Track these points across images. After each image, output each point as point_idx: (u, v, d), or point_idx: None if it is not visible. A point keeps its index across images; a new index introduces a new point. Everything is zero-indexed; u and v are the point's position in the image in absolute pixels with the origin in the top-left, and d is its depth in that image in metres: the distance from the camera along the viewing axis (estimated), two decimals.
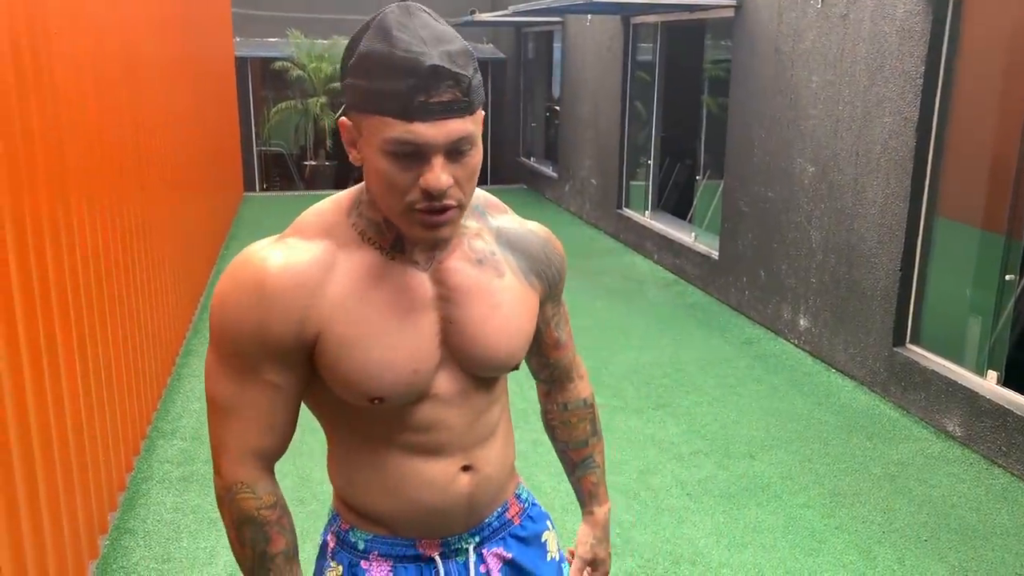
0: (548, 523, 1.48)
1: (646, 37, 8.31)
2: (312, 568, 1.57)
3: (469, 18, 11.52)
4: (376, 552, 1.32)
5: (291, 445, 1.28)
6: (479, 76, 1.12)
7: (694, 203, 7.64)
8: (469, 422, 1.28)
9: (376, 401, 1.19)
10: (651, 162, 8.31)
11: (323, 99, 12.36)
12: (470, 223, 1.28)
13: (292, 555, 1.28)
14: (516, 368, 1.30)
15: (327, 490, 3.40)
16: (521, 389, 4.71)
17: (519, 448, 3.99)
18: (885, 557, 3.18)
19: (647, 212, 8.34)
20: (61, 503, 2.71)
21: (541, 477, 3.73)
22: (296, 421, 1.25)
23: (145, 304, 4.23)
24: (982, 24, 4.21)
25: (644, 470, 3.82)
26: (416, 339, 1.20)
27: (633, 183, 8.81)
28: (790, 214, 5.53)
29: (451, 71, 1.06)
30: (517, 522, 1.41)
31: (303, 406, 1.28)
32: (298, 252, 1.16)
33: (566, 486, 3.64)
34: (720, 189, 6.67)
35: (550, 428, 1.58)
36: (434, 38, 1.07)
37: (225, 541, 3.22)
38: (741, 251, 6.19)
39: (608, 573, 1.52)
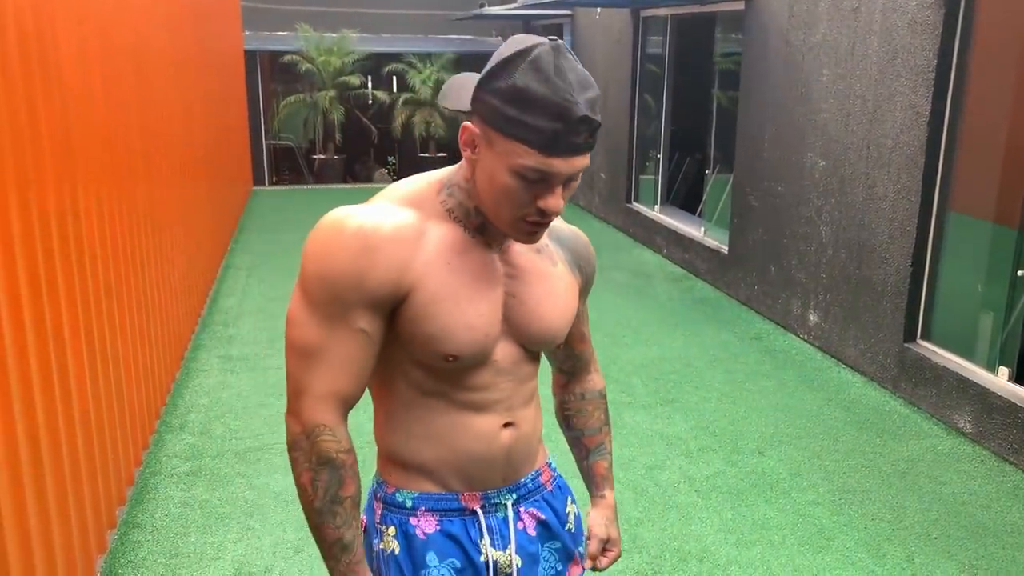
0: (571, 496, 1.59)
1: (656, 30, 8.27)
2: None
3: (479, 11, 11.49)
4: (423, 507, 1.41)
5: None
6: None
7: (704, 197, 7.61)
8: (516, 388, 1.42)
9: (451, 359, 1.31)
10: (660, 156, 8.27)
11: (332, 93, 12.35)
12: None
13: (358, 502, 1.35)
14: (559, 347, 1.49)
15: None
16: None
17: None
18: (894, 555, 3.16)
19: (656, 206, 8.31)
20: (69, 498, 2.72)
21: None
22: (370, 373, 1.33)
23: (153, 298, 4.23)
24: (994, 16, 4.16)
25: (652, 466, 3.81)
26: (490, 308, 1.34)
27: (642, 177, 8.78)
28: (800, 209, 5.49)
29: (592, 119, 1.20)
30: (549, 488, 1.53)
31: None
32: (396, 213, 1.29)
33: (575, 481, 3.62)
34: (730, 183, 6.64)
35: (565, 418, 1.69)
36: (580, 85, 1.20)
37: (231, 536, 3.23)
38: (751, 246, 6.16)
39: (619, 553, 1.60)
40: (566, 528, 1.55)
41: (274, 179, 13.06)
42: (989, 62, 4.22)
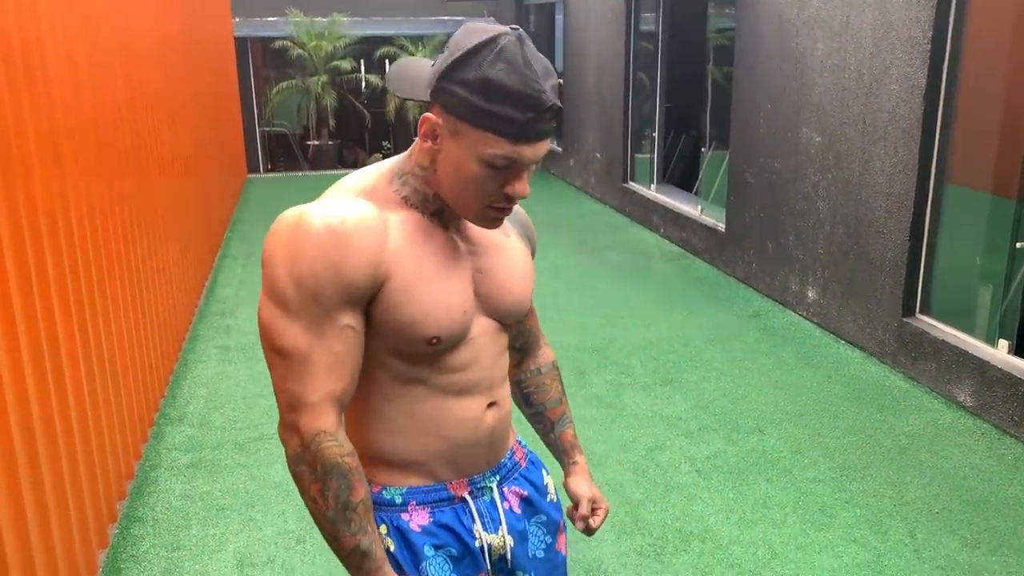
0: (544, 468, 1.62)
1: (648, 6, 8.20)
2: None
3: None
4: (414, 502, 1.39)
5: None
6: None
7: (700, 175, 7.57)
8: (494, 361, 1.42)
9: (434, 341, 1.30)
10: (656, 135, 8.22)
11: (324, 78, 12.27)
12: None
13: (370, 506, 1.32)
14: (524, 316, 1.49)
15: None
16: None
17: (527, 426, 3.97)
18: (896, 530, 3.16)
19: (653, 185, 8.27)
20: (68, 494, 2.71)
21: (550, 456, 3.71)
22: (360, 370, 1.31)
23: (148, 290, 4.21)
24: None
25: (652, 447, 3.80)
26: (462, 285, 1.34)
27: (638, 156, 8.74)
28: (797, 185, 5.46)
29: (558, 107, 1.22)
30: (523, 464, 1.56)
31: None
32: (356, 204, 1.26)
33: None
34: (726, 161, 6.60)
35: (524, 395, 1.68)
36: (546, 73, 1.22)
37: (233, 528, 3.22)
38: (748, 223, 6.13)
39: (608, 510, 1.60)
40: (548, 500, 1.56)
41: (269, 166, 13.00)
42: (985, 32, 4.17)
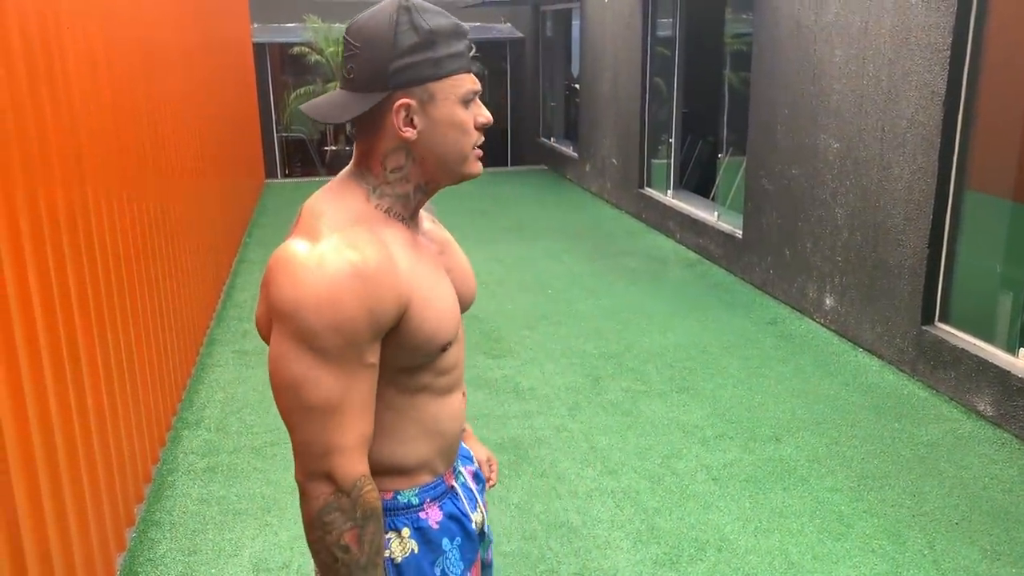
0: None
1: (665, 12, 8.19)
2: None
3: None
4: (427, 499, 1.44)
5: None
6: None
7: (717, 181, 7.55)
8: (463, 353, 1.49)
9: (447, 346, 1.36)
10: (672, 140, 8.21)
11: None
12: None
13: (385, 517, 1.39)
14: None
15: None
16: (544, 375, 4.69)
17: (543, 433, 3.98)
18: (915, 541, 3.13)
19: (669, 191, 8.25)
20: (86, 497, 2.73)
21: (565, 463, 3.71)
22: None
23: (167, 294, 4.24)
24: None
25: (668, 455, 3.78)
26: (449, 289, 1.39)
27: (655, 161, 8.72)
28: (815, 191, 5.43)
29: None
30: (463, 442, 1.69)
31: None
32: (364, 241, 1.25)
33: (590, 471, 3.62)
34: (743, 167, 6.58)
35: None
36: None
37: (249, 532, 3.24)
38: (765, 229, 6.11)
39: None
40: (477, 467, 1.67)
41: (286, 171, 13.07)
42: (1005, 38, 4.14)
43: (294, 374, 1.22)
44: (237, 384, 4.64)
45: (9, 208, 2.30)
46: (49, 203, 2.60)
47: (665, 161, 8.43)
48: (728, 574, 2.95)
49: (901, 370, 4.68)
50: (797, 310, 5.68)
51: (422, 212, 1.47)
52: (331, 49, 12.21)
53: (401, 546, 1.41)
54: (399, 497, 1.42)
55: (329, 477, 1.24)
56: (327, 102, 1.32)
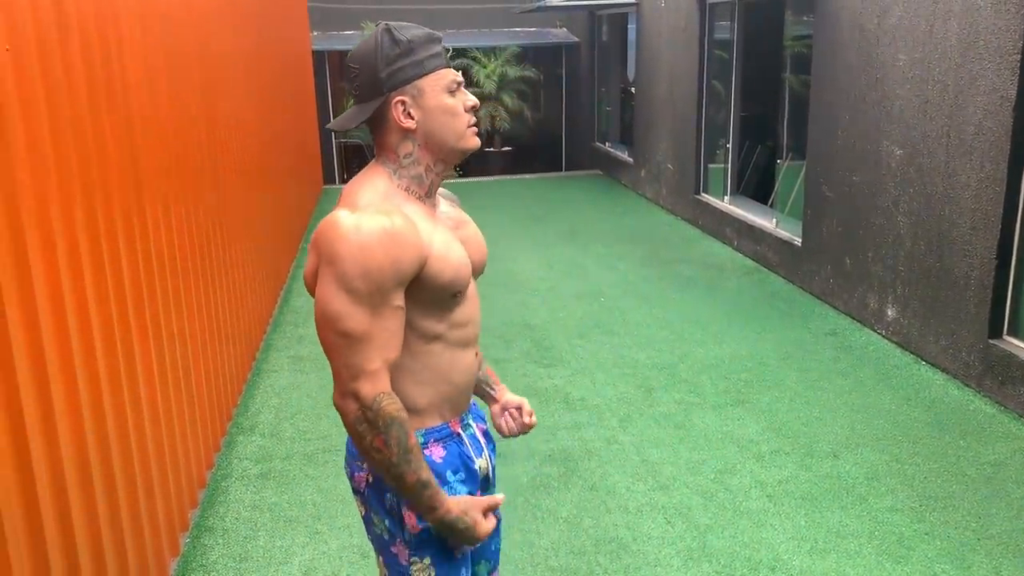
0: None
1: (723, 14, 8.07)
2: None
3: (541, 3, 11.41)
4: (432, 439, 1.71)
5: None
6: None
7: (775, 187, 7.40)
8: (477, 315, 1.79)
9: (459, 294, 1.67)
10: (729, 145, 8.08)
11: None
12: None
13: (419, 447, 1.61)
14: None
15: None
16: (595, 385, 4.64)
17: (593, 445, 3.93)
18: (980, 566, 3.01)
19: (726, 197, 8.12)
20: (140, 501, 2.78)
21: (616, 476, 3.66)
22: None
23: (223, 301, 4.31)
24: None
25: (722, 470, 3.71)
26: (462, 251, 1.70)
27: (711, 166, 8.59)
28: (876, 199, 5.28)
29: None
30: (473, 404, 1.92)
31: None
32: (391, 210, 1.58)
33: (641, 485, 3.57)
34: (802, 173, 6.44)
35: None
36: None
37: (300, 540, 3.26)
38: (825, 237, 5.96)
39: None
40: (487, 426, 1.92)
41: (345, 177, 13.23)
42: None
43: (335, 308, 1.53)
44: (292, 390, 4.69)
45: (68, 216, 2.35)
46: (106, 211, 2.65)
47: (722, 166, 8.30)
48: None
49: (967, 385, 4.52)
50: (857, 321, 5.53)
51: (443, 198, 1.81)
52: None
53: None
54: None
55: (356, 395, 1.54)
56: (344, 116, 1.70)
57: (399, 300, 1.58)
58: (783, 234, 6.74)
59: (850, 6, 5.49)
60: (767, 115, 7.94)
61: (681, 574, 3.00)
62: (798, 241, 6.42)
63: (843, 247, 5.71)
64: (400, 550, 1.71)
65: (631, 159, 10.90)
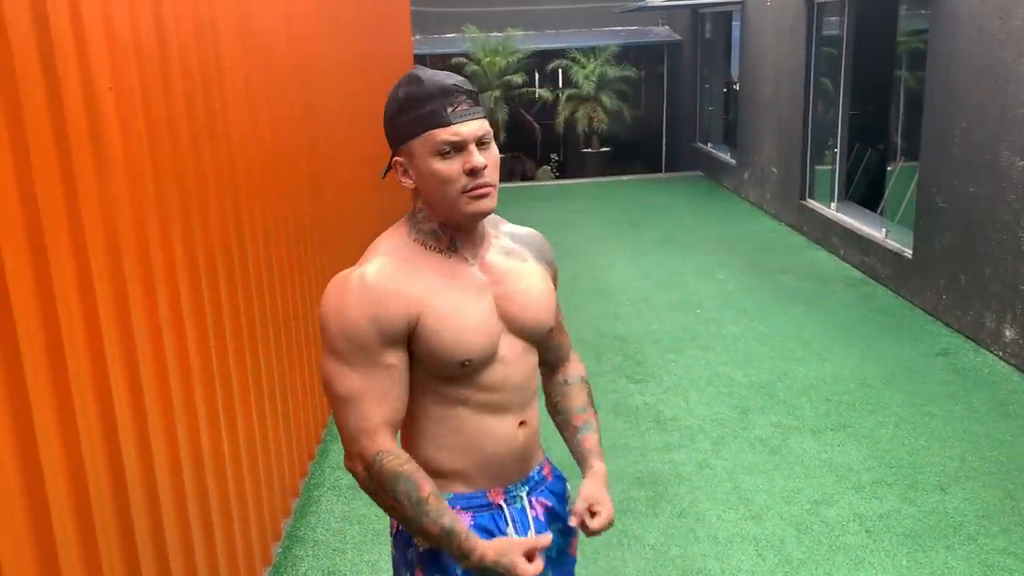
0: (567, 483, 1.83)
1: (833, 10, 7.75)
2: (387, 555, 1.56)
3: (643, 2, 11.25)
4: (459, 507, 1.62)
5: None
6: (484, 100, 1.56)
7: (885, 193, 7.08)
8: (524, 381, 1.65)
9: (466, 363, 1.54)
10: (838, 148, 7.76)
11: (496, 93, 12.49)
12: (490, 230, 1.67)
13: (438, 493, 1.55)
14: (549, 332, 1.71)
15: None
16: (688, 404, 4.53)
17: (684, 468, 3.80)
18: None
19: (833, 203, 7.81)
20: (234, 511, 2.85)
21: (706, 503, 3.56)
22: (407, 397, 1.57)
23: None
24: None
25: (818, 500, 3.56)
26: (486, 313, 1.58)
27: (818, 169, 8.28)
28: (995, 212, 4.97)
29: (465, 88, 1.52)
30: (550, 479, 1.79)
31: None
32: (385, 261, 1.55)
33: (732, 514, 3.46)
34: (915, 180, 6.12)
35: (553, 406, 1.85)
36: (445, 74, 1.53)
37: (386, 555, 3.30)
38: (938, 250, 5.66)
39: (611, 517, 1.65)
40: (567, 510, 1.74)
41: None
42: None
43: (326, 372, 1.53)
44: None
45: (166, 233, 2.42)
46: (204, 227, 2.72)
47: (829, 168, 7.99)
48: None
49: None
50: (972, 340, 5.23)
51: (513, 243, 1.70)
52: (488, 59, 12.40)
53: (419, 542, 1.61)
54: None
55: (359, 456, 1.52)
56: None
57: (391, 358, 1.52)
58: (893, 245, 6.43)
59: (968, 7, 5.17)
60: (878, 115, 7.60)
61: None
62: (908, 253, 6.11)
63: (957, 261, 5.40)
64: None
65: (734, 161, 10.63)
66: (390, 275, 1.52)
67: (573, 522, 1.63)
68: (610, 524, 1.64)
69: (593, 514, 1.63)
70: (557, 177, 13.29)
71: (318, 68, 4.87)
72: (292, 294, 3.83)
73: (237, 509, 2.91)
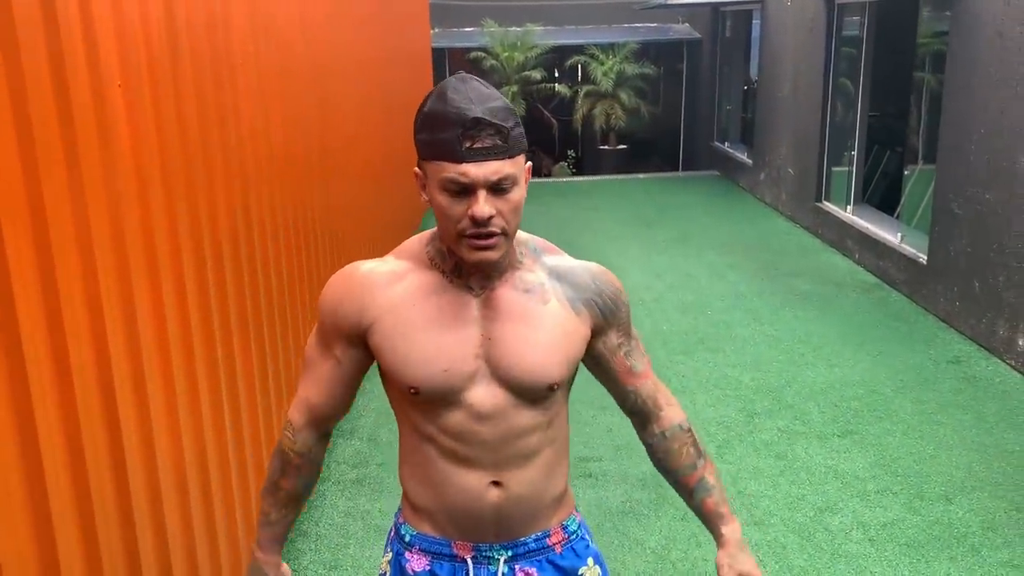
0: (591, 561, 1.60)
1: (853, 10, 7.69)
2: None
3: (662, 0, 11.19)
4: (418, 547, 1.55)
5: None
6: (520, 129, 1.37)
7: (903, 198, 7.02)
8: (502, 440, 1.46)
9: (412, 391, 1.44)
10: (855, 150, 7.70)
11: (514, 88, 12.47)
12: (526, 261, 1.50)
13: (294, 497, 1.64)
14: (552, 389, 1.47)
15: None
16: (695, 406, 4.52)
17: None
18: None
19: (849, 206, 7.76)
20: (236, 503, 2.87)
21: None
22: (350, 402, 1.61)
23: None
24: None
25: (822, 507, 3.55)
26: (453, 345, 1.43)
27: (835, 170, 8.22)
28: (1011, 220, 4.92)
29: (491, 122, 1.32)
30: (559, 551, 1.57)
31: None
32: (381, 264, 1.51)
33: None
34: (932, 185, 6.07)
35: (656, 461, 1.67)
36: (480, 98, 1.34)
37: None
38: (953, 256, 5.61)
39: None
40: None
41: None
42: None
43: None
44: None
45: (171, 222, 2.42)
46: (211, 217, 2.71)
47: (846, 170, 7.93)
48: None
49: None
50: (985, 348, 5.18)
51: (524, 276, 1.48)
52: (506, 54, 12.38)
53: (381, 566, 1.64)
54: (401, 527, 1.60)
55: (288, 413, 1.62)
56: None
57: (338, 351, 1.51)
58: (908, 250, 6.38)
59: (989, 11, 5.12)
60: (898, 118, 7.54)
61: None
62: (924, 258, 6.07)
63: (972, 268, 5.36)
64: None
65: (750, 161, 10.57)
66: (367, 273, 1.49)
67: None
68: None
69: None
70: (574, 174, 13.27)
71: (333, 62, 4.88)
72: (300, 288, 3.85)
73: (240, 501, 2.93)
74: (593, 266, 1.56)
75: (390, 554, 1.62)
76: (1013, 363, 4.90)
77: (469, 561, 1.53)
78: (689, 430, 1.64)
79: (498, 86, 12.70)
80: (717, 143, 12.31)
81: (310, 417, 1.59)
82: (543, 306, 1.47)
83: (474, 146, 1.31)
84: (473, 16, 12.77)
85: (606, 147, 13.29)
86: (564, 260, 1.55)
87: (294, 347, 3.67)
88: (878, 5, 7.27)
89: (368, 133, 6.02)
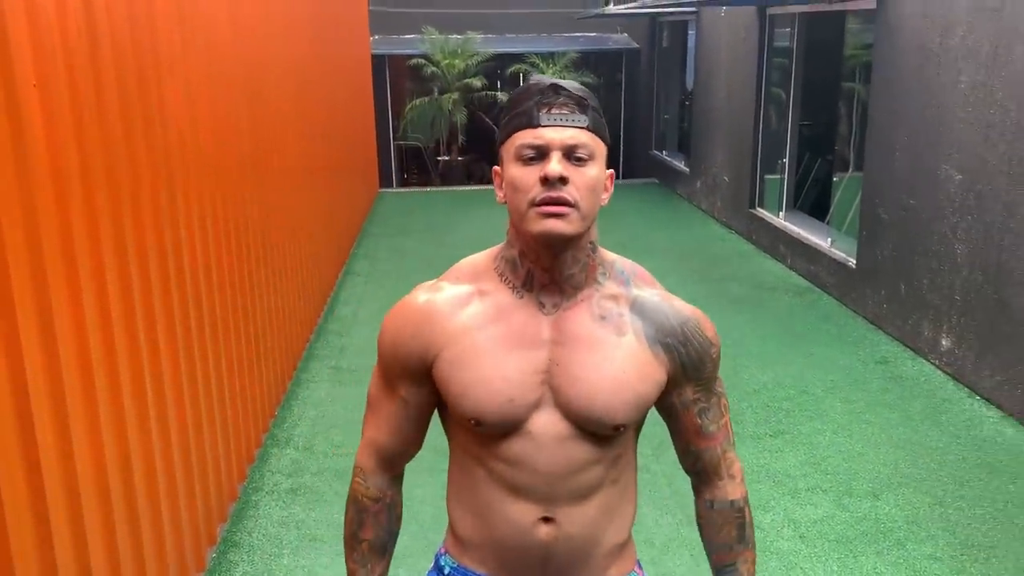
0: None
1: (783, 23, 7.89)
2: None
3: (602, 10, 11.32)
4: None
5: None
6: (601, 115, 1.34)
7: (832, 204, 7.21)
8: (559, 472, 1.34)
9: (474, 422, 1.34)
10: (787, 158, 7.89)
11: (455, 95, 12.47)
12: (609, 284, 1.39)
13: (378, 548, 1.51)
14: (618, 429, 1.35)
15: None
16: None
17: None
18: None
19: (781, 213, 7.94)
20: (164, 517, 2.79)
21: (644, 508, 3.59)
22: (421, 438, 1.50)
23: (264, 310, 4.34)
24: None
25: (755, 506, 3.59)
26: (518, 372, 1.32)
27: (768, 178, 8.40)
28: (933, 224, 5.09)
29: (567, 88, 1.30)
30: None
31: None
32: (442, 292, 1.40)
33: (669, 519, 3.50)
34: (859, 192, 6.24)
35: (698, 525, 1.58)
36: (560, 79, 1.33)
37: (322, 560, 3.28)
38: (880, 260, 5.78)
39: None
40: None
41: (404, 177, 13.35)
42: None
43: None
44: (329, 402, 4.73)
45: (92, 224, 2.35)
46: (136, 214, 2.66)
47: (779, 177, 8.12)
48: None
49: (1022, 425, 4.32)
50: (911, 349, 5.35)
51: (603, 304, 1.37)
52: (447, 61, 12.37)
53: None
54: (442, 558, 1.50)
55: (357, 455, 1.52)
56: None
57: (403, 391, 1.42)
58: (838, 254, 6.56)
59: (911, 25, 5.30)
60: (827, 126, 7.74)
61: None
62: (852, 262, 6.24)
63: (898, 271, 5.52)
64: None
65: (687, 169, 10.75)
66: (433, 307, 1.38)
67: None
68: None
69: None
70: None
71: (266, 64, 4.82)
72: (232, 293, 3.78)
73: (168, 513, 2.86)
74: (687, 310, 1.42)
75: None
76: (937, 363, 5.06)
77: None
78: (741, 510, 1.53)
79: (439, 93, 12.69)
80: (655, 151, 12.48)
81: (379, 459, 1.48)
82: (617, 337, 1.35)
83: (551, 111, 1.28)
84: (413, 23, 12.74)
85: None
86: (654, 295, 1.42)
87: (225, 354, 3.61)
88: (808, 17, 7.47)
89: (304, 138, 5.95)
